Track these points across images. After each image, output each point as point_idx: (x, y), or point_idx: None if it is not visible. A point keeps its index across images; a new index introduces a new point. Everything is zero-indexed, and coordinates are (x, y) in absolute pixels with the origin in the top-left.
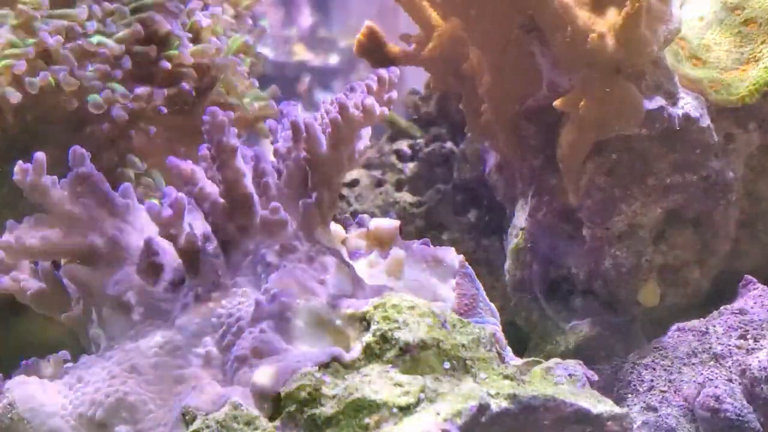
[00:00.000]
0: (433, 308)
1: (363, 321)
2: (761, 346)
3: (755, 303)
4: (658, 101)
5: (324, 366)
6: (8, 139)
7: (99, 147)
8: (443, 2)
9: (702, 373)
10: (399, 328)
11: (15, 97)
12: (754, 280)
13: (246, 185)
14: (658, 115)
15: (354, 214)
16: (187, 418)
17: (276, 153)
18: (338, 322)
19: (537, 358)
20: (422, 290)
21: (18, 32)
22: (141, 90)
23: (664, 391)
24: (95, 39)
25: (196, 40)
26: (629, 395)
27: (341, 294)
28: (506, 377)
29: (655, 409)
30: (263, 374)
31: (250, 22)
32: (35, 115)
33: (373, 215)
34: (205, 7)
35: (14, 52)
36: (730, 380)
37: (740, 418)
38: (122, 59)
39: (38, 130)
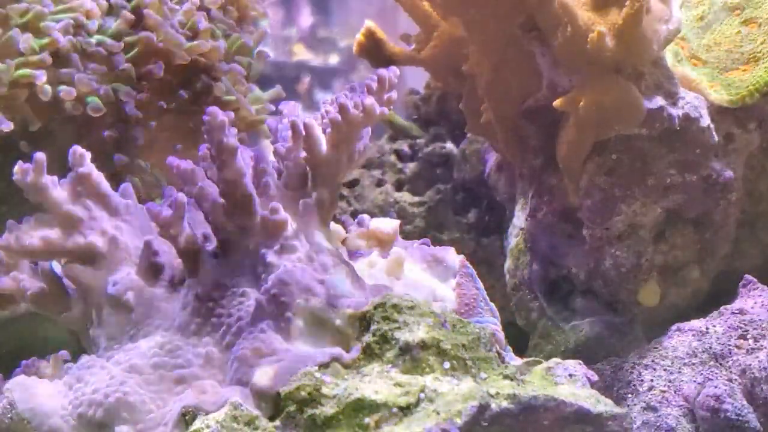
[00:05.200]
0: (433, 308)
1: (363, 321)
2: (761, 346)
3: (755, 303)
4: (658, 101)
5: (324, 366)
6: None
7: (103, 148)
8: (443, 2)
9: (702, 373)
10: (399, 328)
11: (7, 125)
12: (754, 280)
13: (246, 185)
14: (658, 114)
15: (354, 214)
16: (187, 418)
17: (276, 153)
18: (338, 322)
19: (537, 358)
20: (422, 290)
21: (26, 32)
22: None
23: (664, 391)
24: (94, 39)
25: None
26: (629, 395)
27: (341, 294)
28: (506, 377)
29: (655, 409)
30: (263, 374)
31: (253, 28)
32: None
33: (373, 215)
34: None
35: (33, 60)
36: (730, 380)
37: (740, 418)
38: (116, 57)
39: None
